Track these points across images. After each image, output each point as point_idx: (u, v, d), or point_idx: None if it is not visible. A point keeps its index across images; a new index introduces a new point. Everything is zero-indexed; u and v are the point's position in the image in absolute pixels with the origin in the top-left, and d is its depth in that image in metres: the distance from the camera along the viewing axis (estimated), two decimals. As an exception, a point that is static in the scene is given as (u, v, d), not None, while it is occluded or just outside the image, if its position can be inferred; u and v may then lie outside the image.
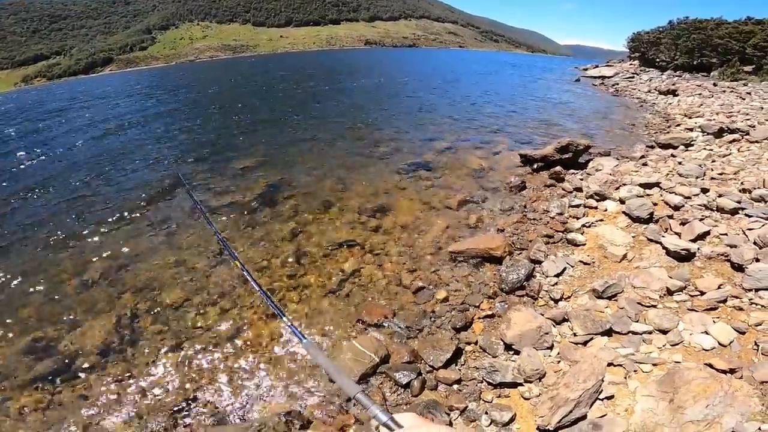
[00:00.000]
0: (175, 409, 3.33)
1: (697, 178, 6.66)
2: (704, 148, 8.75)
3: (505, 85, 26.13)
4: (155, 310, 4.47)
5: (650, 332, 3.53)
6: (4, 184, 9.08)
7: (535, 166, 8.28)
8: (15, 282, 5.16)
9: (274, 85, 27.84)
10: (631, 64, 37.24)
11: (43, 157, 11.31)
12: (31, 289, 4.98)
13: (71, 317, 4.45)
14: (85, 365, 3.82)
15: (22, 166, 10.50)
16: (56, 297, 4.81)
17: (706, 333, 3.37)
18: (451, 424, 3.01)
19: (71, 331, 4.25)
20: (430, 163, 8.82)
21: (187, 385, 3.54)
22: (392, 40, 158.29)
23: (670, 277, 4.14)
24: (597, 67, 38.55)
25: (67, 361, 3.88)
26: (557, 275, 4.66)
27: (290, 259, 5.30)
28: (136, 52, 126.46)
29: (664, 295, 3.98)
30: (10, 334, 4.26)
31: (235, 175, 8.55)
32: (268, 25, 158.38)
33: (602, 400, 2.88)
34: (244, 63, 70.65)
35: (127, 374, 3.68)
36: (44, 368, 3.79)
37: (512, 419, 2.96)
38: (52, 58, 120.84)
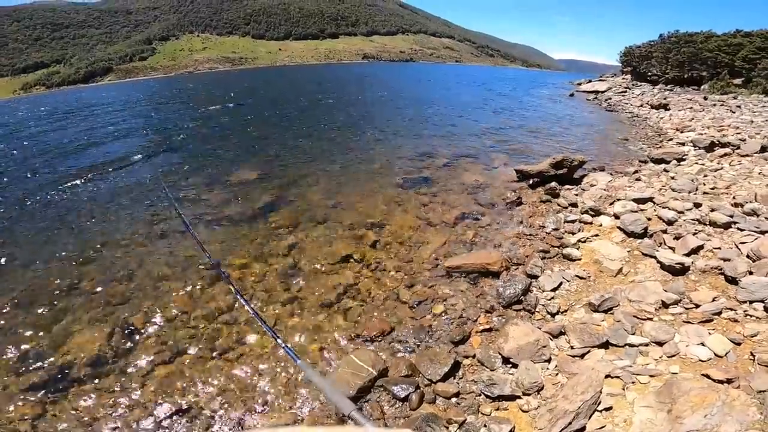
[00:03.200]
0: (168, 422, 3.31)
1: (689, 192, 6.78)
2: (696, 163, 8.92)
3: (499, 100, 26.50)
4: (149, 324, 4.44)
5: (647, 344, 3.58)
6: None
7: (530, 181, 8.39)
8: (9, 291, 5.12)
9: (277, 97, 28.11)
10: (623, 79, 37.88)
11: (30, 168, 11.32)
12: (24, 299, 4.94)
13: (64, 328, 4.42)
14: (78, 376, 3.79)
15: (12, 176, 10.53)
16: (50, 308, 4.78)
17: (703, 344, 3.42)
18: (449, 437, 3.02)
19: (64, 341, 4.22)
20: (428, 178, 8.91)
21: (180, 399, 3.52)
22: (389, 55, 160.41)
23: (665, 291, 4.21)
24: (590, 81, 39.15)
25: (59, 372, 3.85)
26: (554, 290, 4.71)
27: (287, 273, 5.30)
28: (136, 63, 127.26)
29: (660, 308, 4.04)
30: (2, 344, 4.22)
31: (233, 188, 8.60)
32: (268, 38, 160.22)
33: (601, 411, 2.91)
34: (244, 75, 71.24)
35: (120, 387, 3.66)
36: (36, 379, 3.76)
37: (511, 432, 2.97)
38: (52, 66, 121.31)
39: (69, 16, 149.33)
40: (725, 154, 9.28)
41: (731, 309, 3.82)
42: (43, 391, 3.63)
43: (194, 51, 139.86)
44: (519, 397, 3.28)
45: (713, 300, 3.96)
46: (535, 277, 4.96)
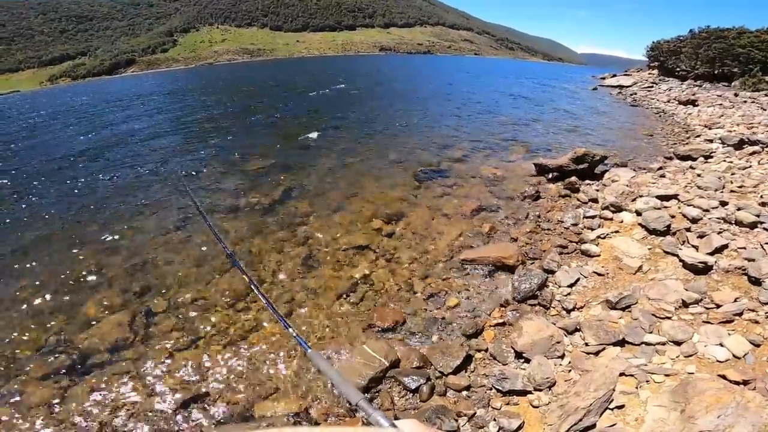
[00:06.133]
0: (185, 406, 3.40)
1: (716, 190, 6.57)
2: (724, 160, 8.62)
3: (518, 93, 26.02)
4: (167, 311, 4.55)
5: (664, 343, 3.51)
6: (17, 179, 9.43)
7: (549, 175, 8.25)
8: (31, 277, 5.29)
9: (297, 88, 28.25)
10: (650, 74, 36.65)
11: (49, 155, 11.71)
12: (47, 285, 5.11)
13: (85, 314, 4.55)
14: (97, 361, 3.89)
15: (32, 163, 10.92)
16: (71, 293, 4.93)
17: (721, 345, 3.34)
18: (458, 430, 3.03)
19: (85, 327, 4.34)
20: (444, 170, 8.87)
21: (197, 384, 3.61)
22: (407, 47, 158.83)
23: (686, 290, 4.10)
24: (615, 76, 38.05)
25: (79, 357, 3.95)
26: (570, 285, 4.65)
27: (302, 263, 5.37)
28: (158, 54, 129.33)
29: (680, 307, 3.95)
30: (25, 330, 4.35)
31: (250, 176, 8.73)
32: (285, 30, 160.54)
33: (612, 409, 2.88)
34: (264, 67, 71.67)
35: (139, 371, 3.75)
36: (57, 364, 3.87)
37: (520, 426, 2.97)
38: (77, 58, 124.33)
39: (93, 9, 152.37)
40: (754, 152, 8.93)
41: (753, 310, 3.71)
42: (65, 376, 3.74)
43: (214, 43, 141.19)
44: (530, 393, 3.27)
45: (735, 300, 3.85)
46: (552, 272, 4.90)
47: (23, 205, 7.86)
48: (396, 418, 0.94)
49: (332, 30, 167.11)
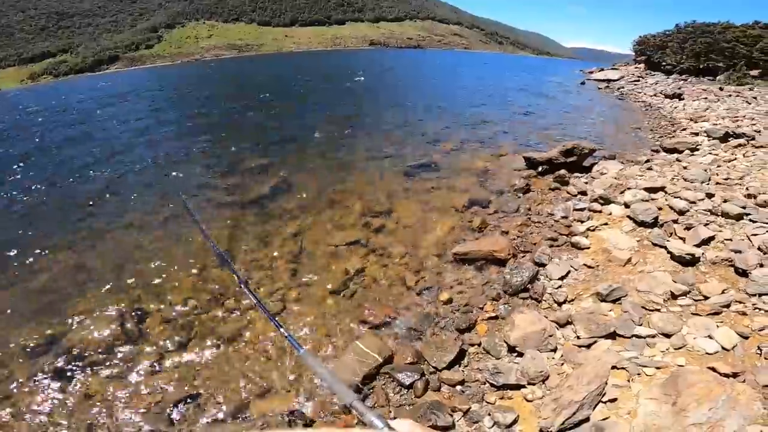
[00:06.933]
0: (178, 407, 3.37)
1: (702, 182, 6.66)
2: (710, 153, 8.75)
3: (507, 87, 26.06)
4: (160, 309, 4.50)
5: (654, 336, 3.54)
6: (10, 181, 9.19)
7: (539, 169, 8.29)
8: (22, 276, 5.21)
9: (289, 83, 27.96)
10: (636, 68, 37.03)
11: (50, 153, 11.44)
12: (38, 285, 5.02)
13: (77, 314, 4.48)
14: (89, 362, 3.85)
15: (28, 161, 10.63)
16: (62, 293, 4.85)
17: (710, 337, 3.38)
18: (453, 425, 3.03)
19: (76, 327, 4.28)
20: (435, 164, 8.85)
21: (190, 384, 3.58)
22: (397, 41, 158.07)
23: (675, 282, 4.16)
24: (602, 70, 38.34)
25: (71, 357, 3.91)
26: (561, 278, 4.67)
27: (293, 259, 5.33)
28: (142, 51, 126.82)
29: (668, 299, 3.99)
30: (16, 330, 4.28)
31: (240, 173, 8.62)
32: (274, 25, 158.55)
33: (605, 402, 2.90)
34: (254, 63, 70.77)
35: (131, 372, 3.72)
36: (48, 365, 3.82)
37: (515, 421, 2.97)
38: (59, 55, 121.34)
39: (74, 5, 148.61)
40: (739, 145, 9.08)
41: (740, 302, 3.76)
42: (55, 378, 3.69)
43: (200, 38, 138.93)
44: (524, 387, 3.28)
45: (722, 292, 3.91)
46: (543, 265, 4.92)
47: (13, 207, 7.67)
48: (393, 418, 0.91)
49: (321, 24, 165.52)
